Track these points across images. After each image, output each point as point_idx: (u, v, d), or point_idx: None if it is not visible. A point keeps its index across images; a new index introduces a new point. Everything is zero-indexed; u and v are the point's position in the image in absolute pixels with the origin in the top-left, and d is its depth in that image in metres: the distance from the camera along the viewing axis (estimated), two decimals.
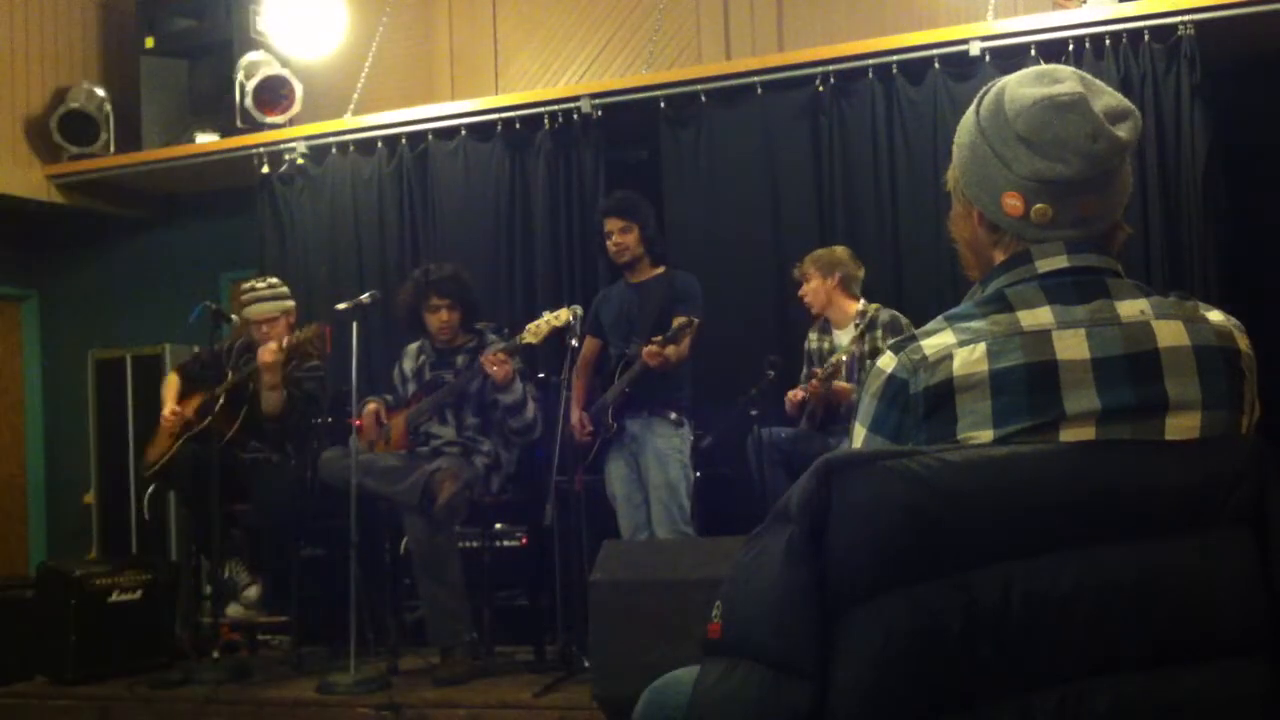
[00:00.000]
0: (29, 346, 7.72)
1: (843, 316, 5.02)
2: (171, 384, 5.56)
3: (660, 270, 5.11)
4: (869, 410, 1.58)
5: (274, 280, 5.45)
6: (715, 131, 5.72)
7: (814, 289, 5.01)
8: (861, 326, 4.89)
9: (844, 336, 5.00)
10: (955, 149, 1.67)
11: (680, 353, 4.84)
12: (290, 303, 5.42)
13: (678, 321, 4.82)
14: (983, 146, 1.60)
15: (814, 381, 4.89)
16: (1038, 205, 1.56)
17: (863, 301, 5.01)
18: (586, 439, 5.05)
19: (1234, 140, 5.17)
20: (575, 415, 5.02)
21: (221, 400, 5.24)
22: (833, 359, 4.89)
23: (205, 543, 5.44)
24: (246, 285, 5.42)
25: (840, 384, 4.85)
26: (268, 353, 5.05)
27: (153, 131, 6.82)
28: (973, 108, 1.64)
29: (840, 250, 5.07)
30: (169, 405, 5.42)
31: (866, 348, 4.84)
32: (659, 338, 4.77)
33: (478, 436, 5.05)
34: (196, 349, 5.85)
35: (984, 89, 1.65)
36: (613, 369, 5.08)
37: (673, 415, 4.92)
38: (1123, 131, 1.56)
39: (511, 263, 6.05)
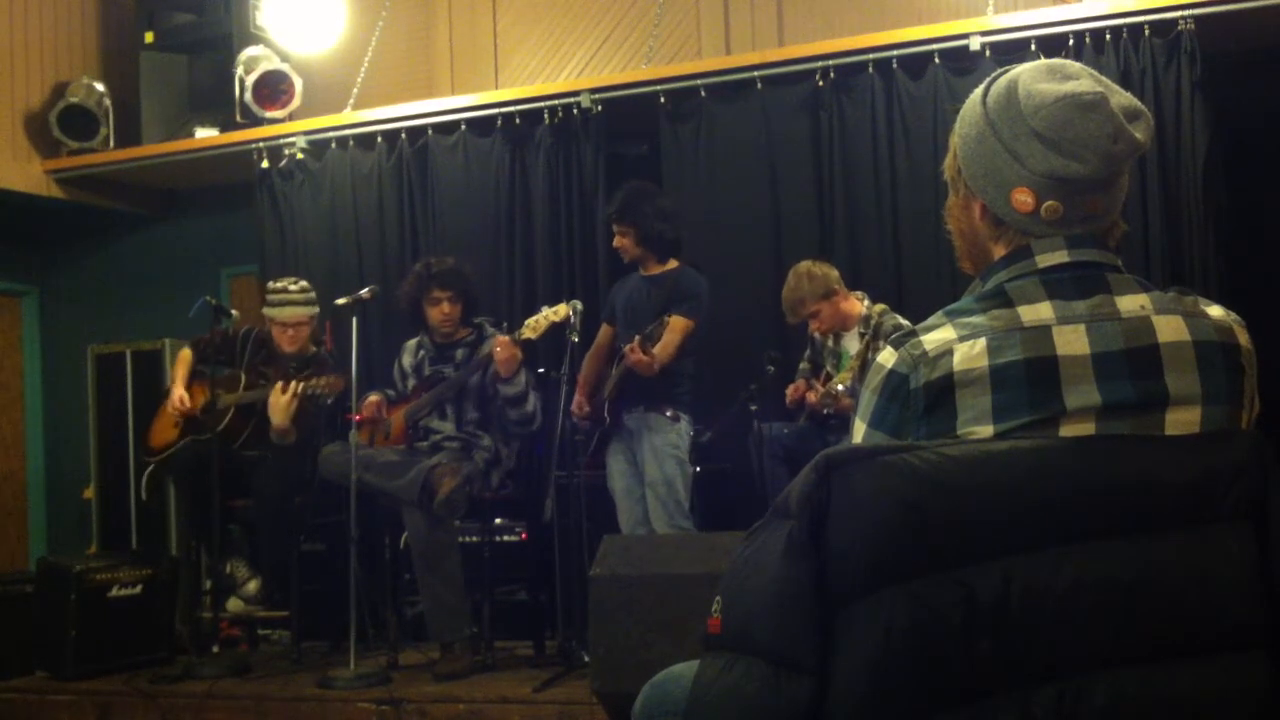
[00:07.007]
0: (29, 342, 7.71)
1: (851, 319, 4.96)
2: (184, 359, 5.54)
3: (671, 266, 5.05)
4: (869, 406, 1.58)
5: (305, 284, 5.42)
6: (715, 126, 5.71)
7: (826, 316, 4.88)
8: (867, 335, 4.84)
9: (850, 340, 4.96)
10: (958, 139, 1.65)
11: (664, 357, 4.81)
12: (317, 308, 5.43)
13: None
14: (992, 140, 1.58)
15: (812, 395, 4.86)
16: (1049, 202, 1.55)
17: (866, 300, 4.97)
18: (585, 423, 5.04)
19: (1234, 135, 5.17)
20: (577, 400, 5.01)
21: (231, 412, 5.28)
22: (836, 383, 4.80)
23: (205, 538, 5.45)
24: (278, 285, 5.39)
25: (845, 400, 4.78)
26: (278, 411, 5.07)
27: (152, 126, 6.81)
28: (977, 99, 1.62)
29: (808, 269, 4.88)
30: (179, 388, 5.41)
31: (870, 355, 4.76)
32: (637, 338, 4.75)
33: (477, 431, 5.05)
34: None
35: (989, 80, 1.63)
36: (616, 360, 5.07)
37: (669, 412, 4.90)
38: (1139, 132, 1.55)
39: (511, 257, 6.04)
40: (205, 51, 6.86)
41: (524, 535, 5.39)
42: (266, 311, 5.38)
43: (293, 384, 5.08)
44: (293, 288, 5.36)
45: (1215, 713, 1.42)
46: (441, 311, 5.08)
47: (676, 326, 4.84)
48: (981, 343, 1.50)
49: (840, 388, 4.75)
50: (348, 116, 6.40)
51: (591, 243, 5.86)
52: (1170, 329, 1.51)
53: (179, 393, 5.38)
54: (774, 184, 5.63)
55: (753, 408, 4.93)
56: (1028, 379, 1.48)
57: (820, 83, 5.52)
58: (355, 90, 6.49)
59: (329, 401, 5.21)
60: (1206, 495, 1.46)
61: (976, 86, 1.65)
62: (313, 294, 5.40)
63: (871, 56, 5.44)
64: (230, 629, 5.71)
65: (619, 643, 3.85)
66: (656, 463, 4.86)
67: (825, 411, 4.81)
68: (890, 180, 5.42)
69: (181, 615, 5.51)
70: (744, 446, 4.98)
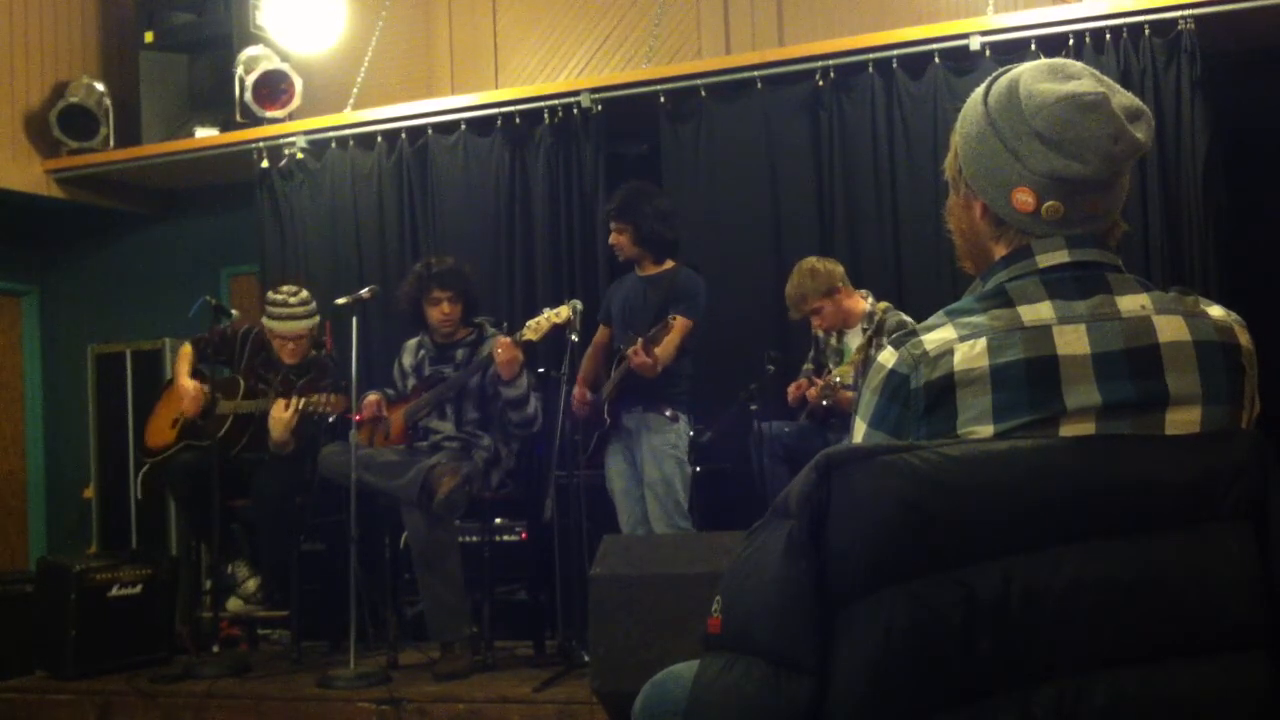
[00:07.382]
0: (29, 342, 7.71)
1: (854, 317, 4.96)
2: (186, 355, 5.51)
3: (668, 266, 5.06)
4: (869, 405, 1.58)
5: (305, 295, 5.37)
6: (715, 126, 5.71)
7: (829, 313, 4.89)
8: (870, 331, 4.83)
9: (853, 338, 4.96)
10: (959, 139, 1.65)
11: (665, 357, 4.81)
12: (318, 318, 5.41)
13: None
14: (993, 140, 1.58)
15: (813, 390, 4.86)
16: (1050, 202, 1.55)
17: (870, 298, 4.96)
18: (583, 409, 5.04)
19: (1234, 135, 5.17)
20: (578, 391, 5.02)
21: (230, 419, 5.28)
22: (836, 373, 4.80)
23: (205, 538, 5.45)
24: (277, 297, 5.34)
25: (844, 393, 4.78)
26: (278, 425, 5.08)
27: (152, 126, 6.81)
28: (979, 98, 1.62)
29: (812, 265, 4.89)
30: (186, 379, 5.37)
31: (873, 350, 4.76)
32: (640, 340, 4.75)
33: (477, 431, 5.05)
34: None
35: (990, 79, 1.63)
36: (614, 361, 5.07)
37: (668, 411, 4.90)
38: (1140, 132, 1.55)
39: (511, 257, 6.04)
40: (205, 51, 6.86)
41: (524, 535, 5.39)
42: (266, 323, 5.37)
43: (293, 401, 5.08)
44: (292, 300, 5.33)
45: (1215, 713, 1.42)
46: (441, 311, 5.08)
47: (677, 327, 4.85)
48: (982, 342, 1.50)
49: (838, 379, 4.75)
50: (348, 116, 6.40)
51: (591, 243, 5.86)
52: (1171, 329, 1.51)
53: (191, 382, 5.36)
54: (774, 184, 5.63)
55: (753, 407, 4.93)
56: (1028, 379, 1.48)
57: (820, 83, 5.52)
58: (355, 90, 6.49)
59: (331, 420, 5.22)
60: (1206, 495, 1.46)
61: (977, 86, 1.64)
62: (313, 304, 5.38)
63: (871, 56, 5.44)
64: (230, 629, 5.71)
65: (619, 643, 3.85)
66: (655, 463, 4.87)
67: (825, 403, 4.79)
68: (890, 180, 5.42)
69: (181, 615, 5.51)
70: (744, 446, 4.98)
